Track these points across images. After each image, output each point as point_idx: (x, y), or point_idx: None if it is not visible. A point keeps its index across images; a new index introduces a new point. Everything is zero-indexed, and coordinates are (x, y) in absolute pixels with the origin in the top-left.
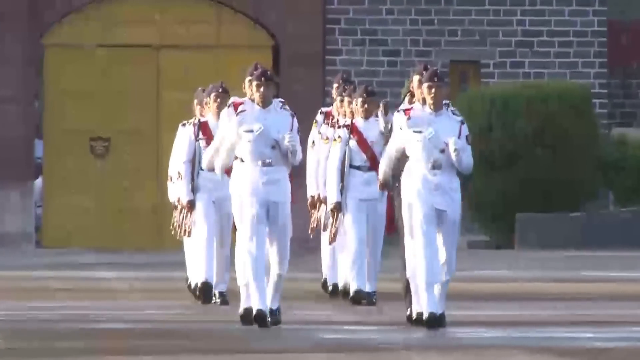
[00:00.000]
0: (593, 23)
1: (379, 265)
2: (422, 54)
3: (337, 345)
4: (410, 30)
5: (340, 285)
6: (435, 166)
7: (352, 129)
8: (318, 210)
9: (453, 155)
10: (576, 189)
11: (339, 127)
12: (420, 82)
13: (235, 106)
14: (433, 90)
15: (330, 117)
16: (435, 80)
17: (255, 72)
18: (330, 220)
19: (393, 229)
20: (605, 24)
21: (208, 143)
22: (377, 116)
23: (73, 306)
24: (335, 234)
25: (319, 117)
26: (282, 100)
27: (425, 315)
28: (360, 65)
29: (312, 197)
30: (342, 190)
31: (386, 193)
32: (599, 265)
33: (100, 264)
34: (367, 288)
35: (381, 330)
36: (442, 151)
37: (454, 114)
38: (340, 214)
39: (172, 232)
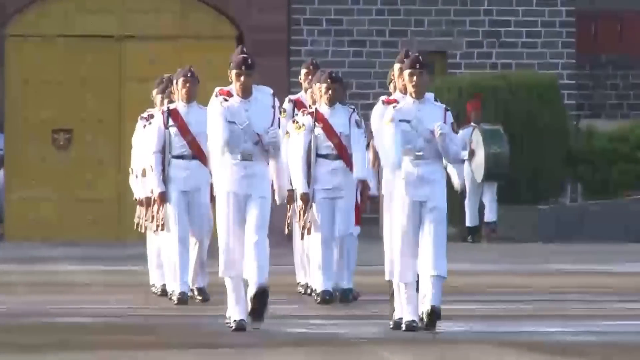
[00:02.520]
0: (561, 13)
1: (354, 257)
2: (388, 44)
3: (304, 339)
4: (376, 20)
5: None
6: (419, 156)
7: (317, 116)
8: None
9: (439, 141)
10: (544, 181)
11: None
12: (401, 70)
13: (221, 93)
14: (414, 77)
15: (303, 106)
16: (417, 67)
17: (235, 59)
18: (298, 213)
19: (359, 221)
20: (574, 14)
21: (180, 130)
22: (342, 103)
23: (34, 300)
24: (309, 228)
25: (288, 106)
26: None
27: (405, 320)
28: (325, 56)
29: (290, 190)
30: (310, 181)
31: (355, 182)
32: (567, 259)
33: (62, 257)
34: (344, 285)
35: (349, 325)
36: (428, 140)
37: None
38: (309, 206)
39: (136, 228)
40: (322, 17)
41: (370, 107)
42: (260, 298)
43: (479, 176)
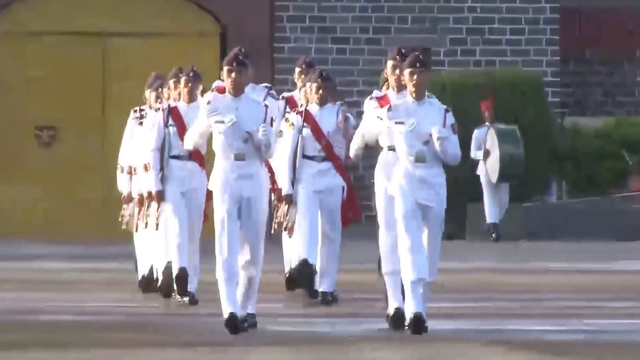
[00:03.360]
0: (545, 10)
1: (337, 260)
2: (371, 41)
3: (290, 337)
4: (360, 17)
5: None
6: (419, 159)
7: (306, 116)
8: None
9: (437, 145)
10: (529, 179)
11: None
12: (395, 68)
13: (219, 91)
14: (415, 76)
15: (295, 104)
16: (418, 65)
17: (227, 55)
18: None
19: (347, 223)
20: (558, 11)
21: (179, 129)
22: (333, 103)
23: (19, 298)
24: (291, 228)
25: (281, 103)
26: (268, 85)
27: (410, 316)
28: (308, 53)
29: (281, 189)
30: (294, 181)
31: (344, 185)
32: (551, 257)
33: (47, 255)
34: (324, 287)
35: (336, 323)
36: (426, 142)
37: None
38: (292, 207)
39: (124, 227)
40: (306, 14)
41: (354, 104)
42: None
43: (494, 176)
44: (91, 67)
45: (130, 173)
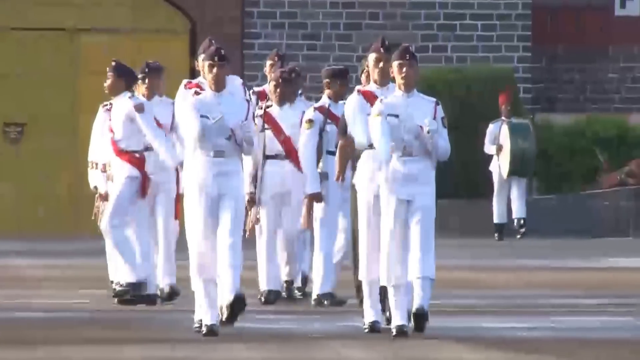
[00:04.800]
0: (517, 6)
1: (296, 256)
2: (342, 37)
3: (258, 334)
4: (330, 13)
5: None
6: (406, 153)
7: (329, 113)
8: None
9: (427, 138)
10: None
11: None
12: (378, 61)
13: (190, 86)
14: (404, 69)
15: (266, 98)
16: (407, 57)
17: (208, 50)
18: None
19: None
20: (530, 7)
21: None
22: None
23: None
24: (252, 229)
25: (252, 98)
26: (239, 78)
27: (395, 324)
28: (279, 49)
29: (251, 193)
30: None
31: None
32: (523, 254)
33: (14, 252)
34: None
35: (304, 320)
36: (416, 137)
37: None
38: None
39: (94, 219)
40: (276, 10)
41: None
42: (237, 306)
43: (505, 171)
44: (60, 64)
45: (104, 171)
